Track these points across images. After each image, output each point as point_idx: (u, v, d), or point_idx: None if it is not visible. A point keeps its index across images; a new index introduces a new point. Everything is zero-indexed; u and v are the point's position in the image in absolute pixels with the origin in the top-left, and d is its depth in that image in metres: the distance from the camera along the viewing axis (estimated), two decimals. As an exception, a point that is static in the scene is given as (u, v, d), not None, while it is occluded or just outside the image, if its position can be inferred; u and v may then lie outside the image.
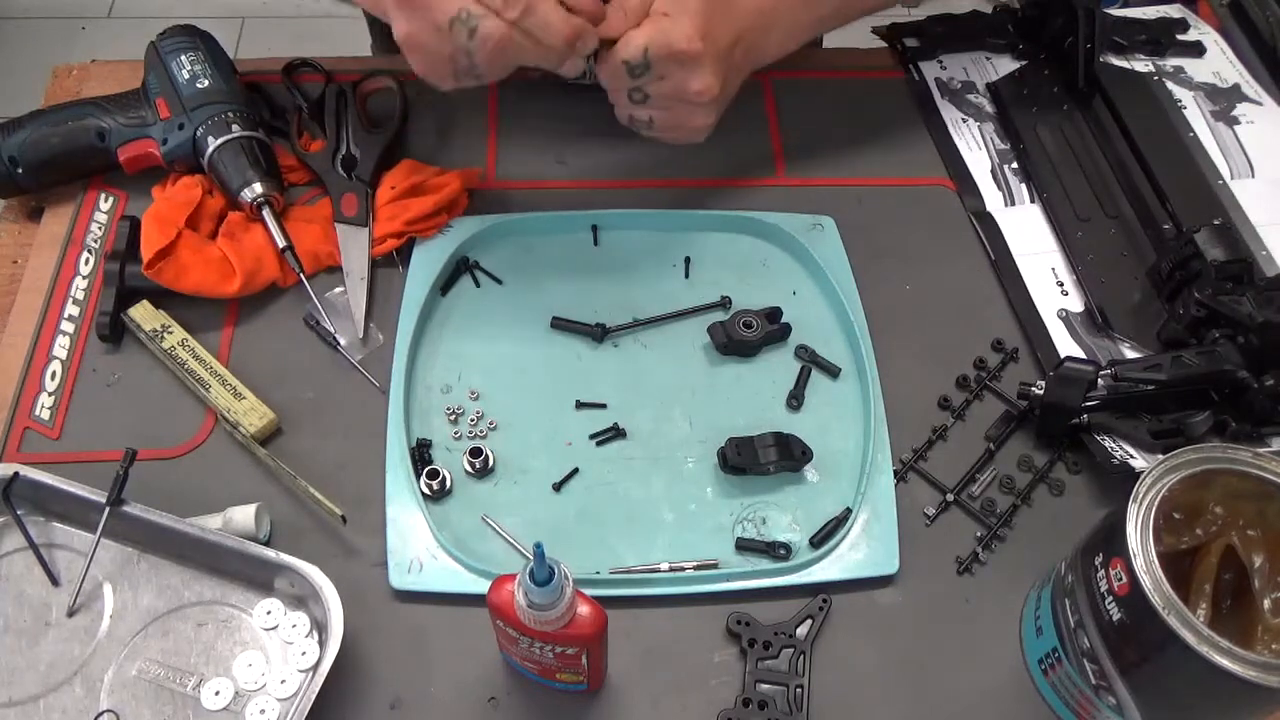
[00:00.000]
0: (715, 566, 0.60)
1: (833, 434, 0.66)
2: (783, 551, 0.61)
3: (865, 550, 0.61)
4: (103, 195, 0.75)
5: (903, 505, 0.63)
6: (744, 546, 0.61)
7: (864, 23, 0.82)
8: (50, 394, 0.66)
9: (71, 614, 0.58)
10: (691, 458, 0.65)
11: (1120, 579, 0.48)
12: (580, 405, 0.67)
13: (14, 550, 0.59)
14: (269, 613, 0.57)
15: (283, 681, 0.55)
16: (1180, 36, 0.89)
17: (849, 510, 0.62)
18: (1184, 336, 0.67)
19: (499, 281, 0.73)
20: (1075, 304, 0.72)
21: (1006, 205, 0.78)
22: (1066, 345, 0.70)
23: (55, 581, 0.59)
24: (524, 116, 0.80)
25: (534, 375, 0.68)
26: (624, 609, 0.58)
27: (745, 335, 0.68)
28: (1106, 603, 0.49)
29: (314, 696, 0.53)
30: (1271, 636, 0.49)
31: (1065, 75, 0.84)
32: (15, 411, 0.65)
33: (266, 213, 0.70)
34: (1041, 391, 0.65)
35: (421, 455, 0.64)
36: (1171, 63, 0.88)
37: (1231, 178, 0.79)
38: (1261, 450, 0.53)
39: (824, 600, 0.59)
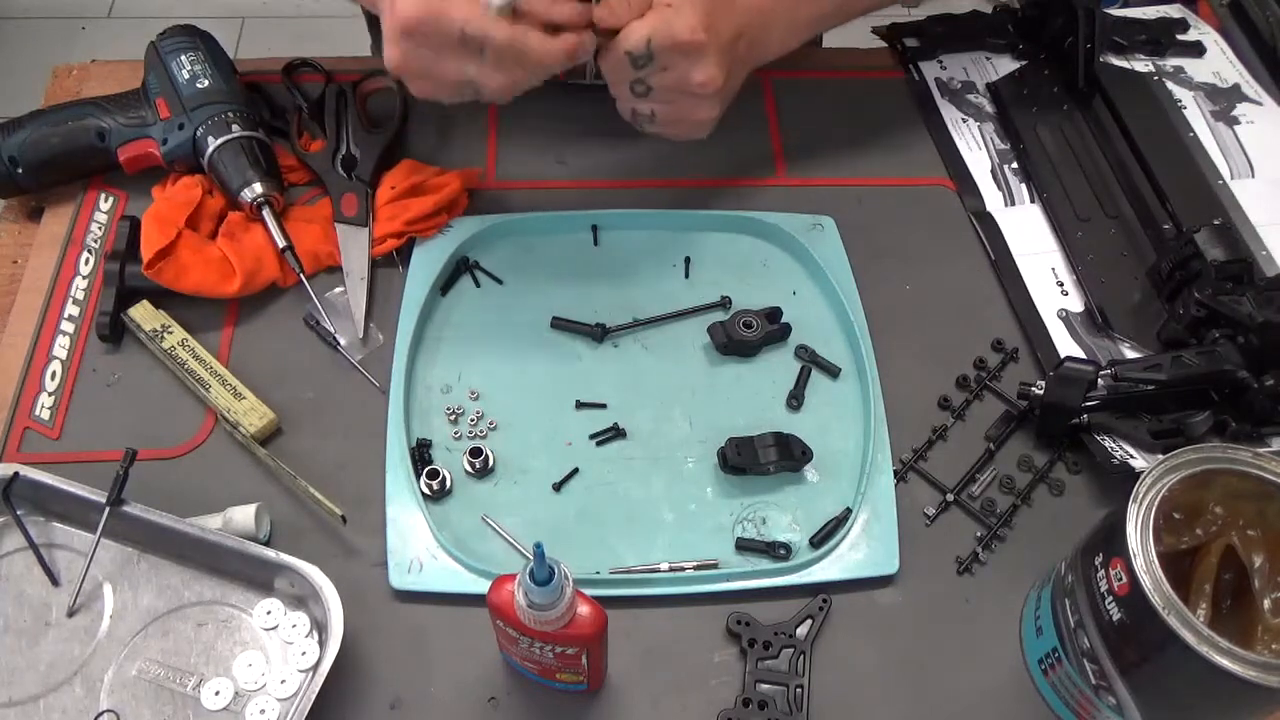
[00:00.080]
0: (715, 566, 0.60)
1: (833, 434, 0.66)
2: (783, 551, 0.61)
3: (865, 550, 0.61)
4: (103, 195, 0.75)
5: (903, 505, 0.63)
6: (744, 546, 0.61)
7: (864, 23, 0.82)
8: (50, 394, 0.66)
9: (71, 614, 0.58)
10: (691, 458, 0.65)
11: (1120, 579, 0.48)
12: (580, 405, 0.67)
13: (14, 550, 0.59)
14: (269, 613, 0.57)
15: (283, 681, 0.55)
16: (1180, 36, 0.89)
17: (849, 510, 0.62)
18: (1184, 336, 0.67)
19: (499, 281, 0.73)
20: (1075, 304, 0.72)
21: (1006, 205, 0.78)
22: (1066, 345, 0.70)
23: (55, 581, 0.59)
24: (524, 116, 0.80)
25: (534, 375, 0.68)
26: (624, 609, 0.58)
27: (745, 335, 0.68)
28: (1106, 603, 0.49)
29: (314, 696, 0.53)
30: (1271, 636, 0.49)
31: (1065, 75, 0.85)
32: (15, 411, 0.65)
33: (266, 213, 0.70)
34: (1041, 391, 0.65)
35: (421, 455, 0.64)
36: (1171, 63, 0.88)
37: (1231, 178, 0.79)
38: (1261, 450, 0.53)
39: (824, 600, 0.59)
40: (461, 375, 0.68)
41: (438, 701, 0.56)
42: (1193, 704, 0.50)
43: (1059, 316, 0.72)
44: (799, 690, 0.57)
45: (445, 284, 0.72)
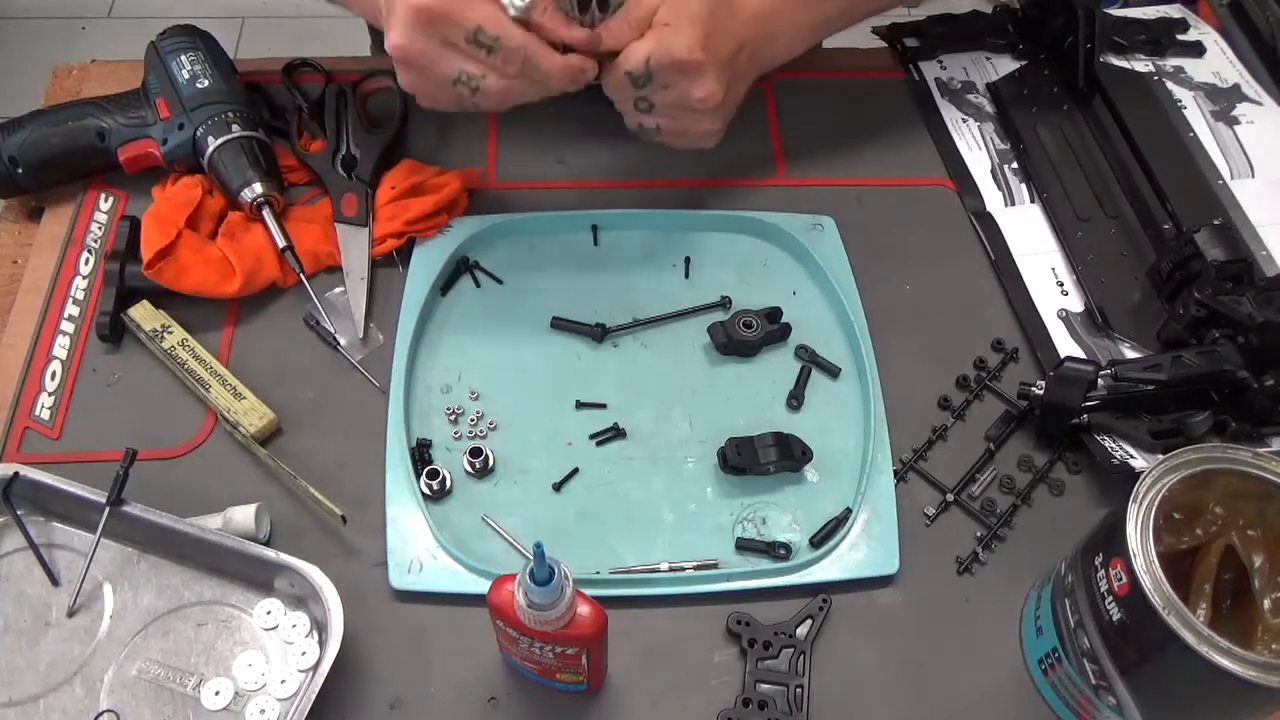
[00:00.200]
0: (715, 566, 0.60)
1: (833, 434, 0.66)
2: (783, 551, 0.61)
3: (865, 550, 0.61)
4: (103, 195, 0.75)
5: (903, 505, 0.63)
6: (744, 546, 0.61)
7: (864, 23, 0.82)
8: (50, 394, 0.66)
9: (71, 614, 0.58)
10: (691, 458, 0.65)
11: (1120, 579, 0.48)
12: (580, 405, 0.67)
13: (14, 550, 0.59)
14: (269, 613, 0.57)
15: (283, 681, 0.55)
16: (1180, 36, 0.89)
17: (849, 510, 0.62)
18: (1184, 336, 0.67)
19: (499, 281, 0.73)
20: (1075, 304, 0.72)
21: (1006, 205, 0.78)
22: (1066, 345, 0.70)
23: (55, 581, 0.59)
24: (524, 116, 0.80)
25: (534, 375, 0.68)
26: (624, 609, 0.58)
27: (745, 335, 0.68)
28: (1106, 603, 0.49)
29: (314, 696, 0.53)
30: (1271, 636, 0.49)
31: (1065, 75, 0.84)
32: (15, 411, 0.65)
33: (266, 213, 0.70)
34: (1041, 391, 0.65)
35: (421, 455, 0.64)
36: (1171, 63, 0.88)
37: (1231, 178, 0.79)
38: (1261, 450, 0.53)
39: (824, 600, 0.59)
40: (461, 375, 0.68)
41: (438, 701, 0.56)
42: (1193, 704, 0.50)
43: (1059, 316, 0.72)
44: (799, 690, 0.57)
45: (445, 284, 0.72)
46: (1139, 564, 0.47)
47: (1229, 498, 0.52)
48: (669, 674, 0.58)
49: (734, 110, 0.68)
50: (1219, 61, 0.88)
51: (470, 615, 0.58)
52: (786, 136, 0.82)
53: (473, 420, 0.66)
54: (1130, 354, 0.69)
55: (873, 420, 0.65)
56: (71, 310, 0.70)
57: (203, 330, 0.68)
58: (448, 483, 0.63)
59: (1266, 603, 0.50)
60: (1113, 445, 0.64)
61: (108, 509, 0.57)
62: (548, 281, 0.72)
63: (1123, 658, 0.50)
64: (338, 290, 0.71)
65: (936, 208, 0.79)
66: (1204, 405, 0.64)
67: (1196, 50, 0.89)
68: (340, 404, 0.66)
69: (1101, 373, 0.64)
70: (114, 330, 0.68)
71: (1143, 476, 0.50)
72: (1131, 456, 0.62)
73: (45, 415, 0.65)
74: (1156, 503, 0.49)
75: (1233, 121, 0.83)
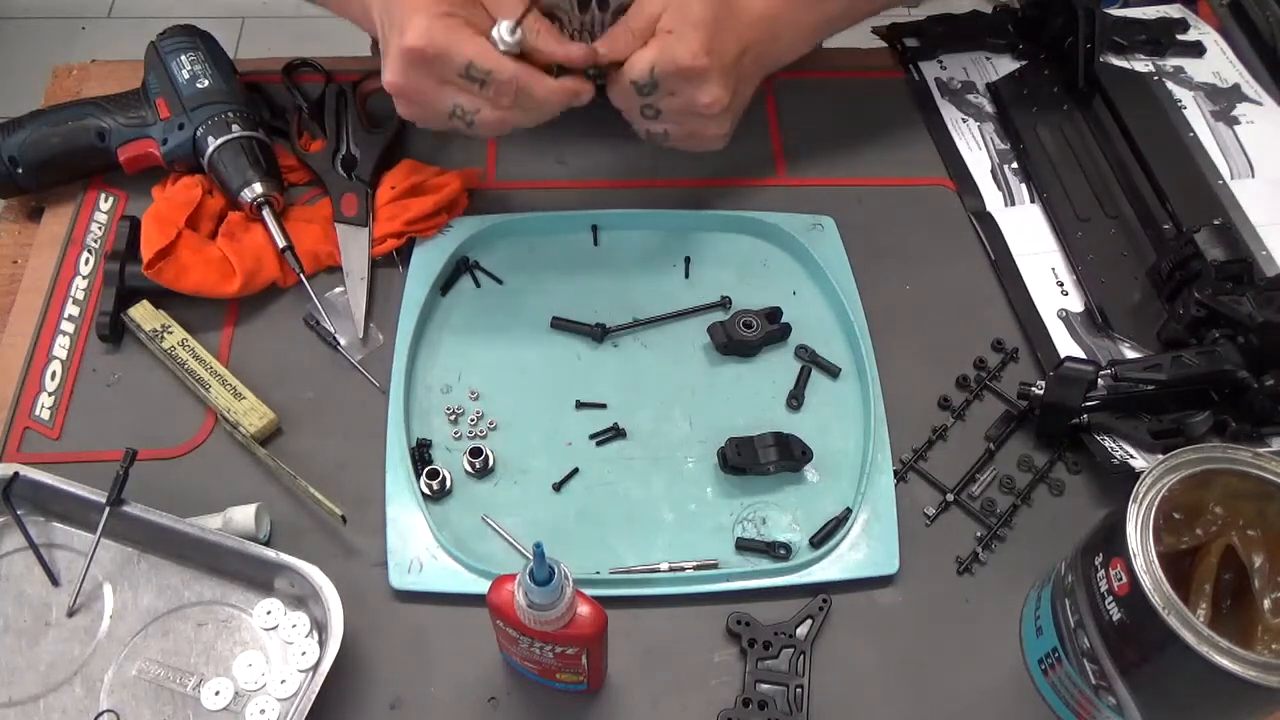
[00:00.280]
0: (715, 566, 0.60)
1: (833, 434, 0.66)
2: (783, 551, 0.61)
3: (865, 550, 0.61)
4: (103, 195, 0.75)
5: (903, 505, 0.63)
6: (744, 546, 0.61)
7: (864, 23, 0.82)
8: (50, 394, 0.66)
9: (71, 614, 0.58)
10: (691, 458, 0.65)
11: (1120, 579, 0.48)
12: (580, 405, 0.67)
13: (14, 550, 0.59)
14: (269, 613, 0.57)
15: (283, 681, 0.55)
16: (1180, 36, 0.89)
17: (849, 510, 0.62)
18: (1184, 336, 0.67)
19: (499, 281, 0.73)
20: (1075, 304, 0.72)
21: (1006, 205, 0.78)
22: (1066, 345, 0.70)
23: (55, 581, 0.59)
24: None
25: (534, 375, 0.68)
26: (624, 609, 0.58)
27: (745, 335, 0.68)
28: (1106, 603, 0.49)
29: (314, 696, 0.53)
30: (1271, 636, 0.49)
31: (1065, 75, 0.85)
32: (15, 411, 0.65)
33: (266, 213, 0.70)
34: (1041, 391, 0.65)
35: (421, 455, 0.64)
36: (1171, 63, 0.88)
37: (1231, 178, 0.79)
38: (1261, 450, 0.53)
39: (824, 600, 0.59)
40: (461, 375, 0.68)
41: (438, 701, 0.56)
42: (1193, 704, 0.50)
43: (1059, 316, 0.72)
44: (799, 690, 0.57)
45: (445, 284, 0.72)
46: (1139, 564, 0.47)
47: (1229, 498, 0.52)
48: (669, 674, 0.58)
49: (741, 113, 0.68)
50: (1219, 61, 0.88)
51: (470, 615, 0.58)
52: (786, 136, 0.82)
53: (473, 420, 0.66)
54: (1130, 354, 0.69)
55: (873, 420, 0.65)
56: (71, 310, 0.70)
57: (203, 330, 0.68)
58: (448, 483, 0.63)
59: (1266, 603, 0.50)
60: (1113, 445, 0.64)
61: (108, 509, 0.57)
62: (548, 281, 0.72)
63: (1123, 658, 0.50)
64: (338, 290, 0.71)
65: (936, 208, 0.79)
66: (1204, 405, 0.64)
67: (1196, 50, 0.89)
68: (340, 404, 0.66)
69: (1101, 373, 0.64)
70: (114, 330, 0.68)
71: (1143, 476, 0.50)
72: (1131, 456, 0.62)
73: (45, 415, 0.65)
74: (1156, 503, 0.49)
75: (1233, 121, 0.83)
